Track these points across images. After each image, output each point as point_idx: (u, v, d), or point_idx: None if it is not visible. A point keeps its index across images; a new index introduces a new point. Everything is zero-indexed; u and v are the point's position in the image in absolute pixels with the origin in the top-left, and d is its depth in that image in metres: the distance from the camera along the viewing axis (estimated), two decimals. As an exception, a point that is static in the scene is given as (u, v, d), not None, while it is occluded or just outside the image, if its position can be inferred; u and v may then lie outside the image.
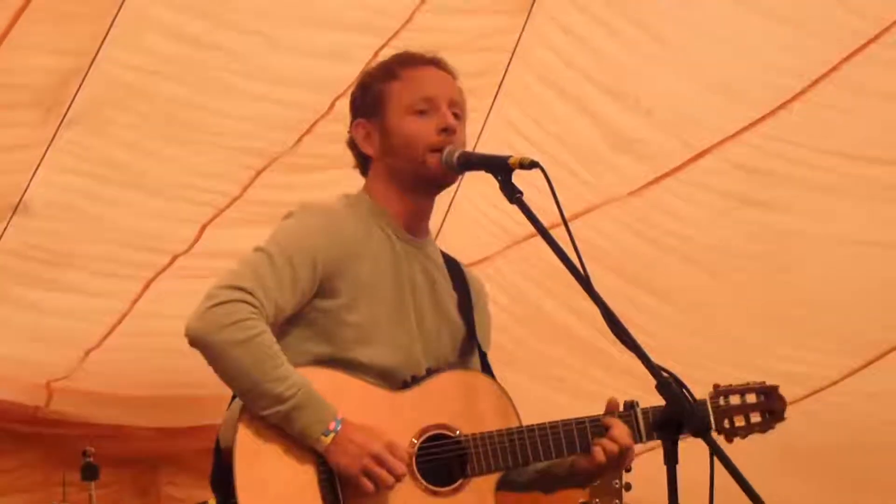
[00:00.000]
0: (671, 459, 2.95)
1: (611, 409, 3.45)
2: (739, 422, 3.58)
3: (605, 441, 3.37)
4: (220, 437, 3.31)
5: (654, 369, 2.95)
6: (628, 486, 4.45)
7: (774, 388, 3.65)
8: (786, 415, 3.64)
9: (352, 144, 3.57)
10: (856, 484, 6.89)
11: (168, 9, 5.47)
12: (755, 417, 3.60)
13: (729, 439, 3.55)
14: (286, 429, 3.21)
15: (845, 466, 6.82)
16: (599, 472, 3.43)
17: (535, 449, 3.36)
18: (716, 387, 3.60)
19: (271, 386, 3.18)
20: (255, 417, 3.22)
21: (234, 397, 3.32)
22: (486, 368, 3.55)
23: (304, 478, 3.22)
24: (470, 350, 3.56)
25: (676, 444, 2.95)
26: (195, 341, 3.21)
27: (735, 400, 3.59)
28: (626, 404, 3.44)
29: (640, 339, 2.99)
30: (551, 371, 6.99)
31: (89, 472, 6.94)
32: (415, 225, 3.52)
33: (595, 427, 3.40)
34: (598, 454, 3.37)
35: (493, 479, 3.35)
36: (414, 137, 3.43)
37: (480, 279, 3.72)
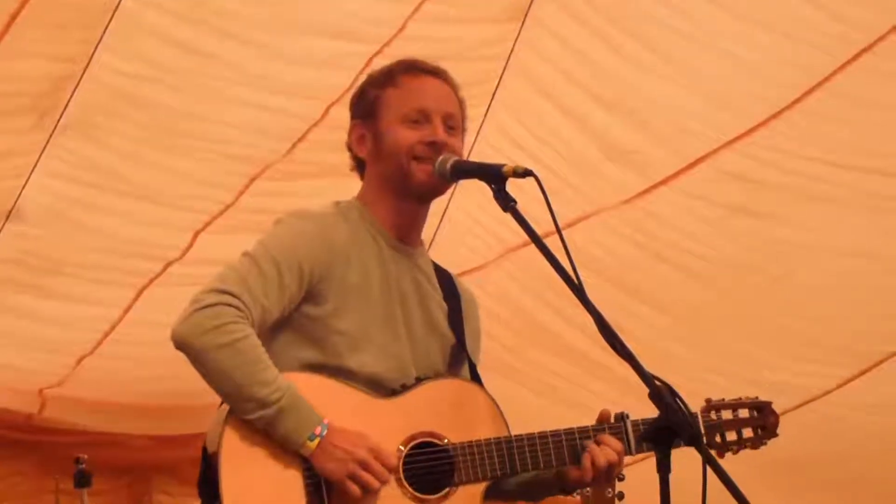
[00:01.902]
0: (664, 468, 2.94)
1: (602, 420, 3.45)
2: (731, 436, 3.56)
3: (594, 453, 3.37)
4: (207, 442, 3.30)
5: (647, 378, 2.94)
6: (621, 495, 4.44)
7: (767, 404, 3.62)
8: (778, 430, 3.60)
9: (348, 146, 3.57)
10: (851, 494, 6.88)
11: (161, 16, 5.46)
12: (747, 433, 3.58)
13: (720, 454, 3.53)
14: (271, 433, 3.19)
15: (840, 476, 6.81)
16: (587, 483, 3.43)
17: (522, 459, 3.36)
18: (708, 401, 3.58)
19: (255, 390, 3.16)
20: (242, 421, 3.20)
21: (222, 402, 3.29)
22: (476, 380, 3.53)
23: (290, 482, 3.21)
24: (460, 361, 3.55)
25: (669, 453, 2.94)
26: (180, 345, 3.20)
27: (727, 414, 3.57)
28: (616, 416, 3.45)
29: (634, 348, 2.99)
30: (545, 380, 6.98)
31: (82, 480, 6.91)
32: (406, 233, 3.51)
33: (584, 438, 3.40)
34: (587, 466, 3.36)
35: (480, 487, 3.35)
36: (400, 145, 3.42)
37: (472, 291, 3.70)
